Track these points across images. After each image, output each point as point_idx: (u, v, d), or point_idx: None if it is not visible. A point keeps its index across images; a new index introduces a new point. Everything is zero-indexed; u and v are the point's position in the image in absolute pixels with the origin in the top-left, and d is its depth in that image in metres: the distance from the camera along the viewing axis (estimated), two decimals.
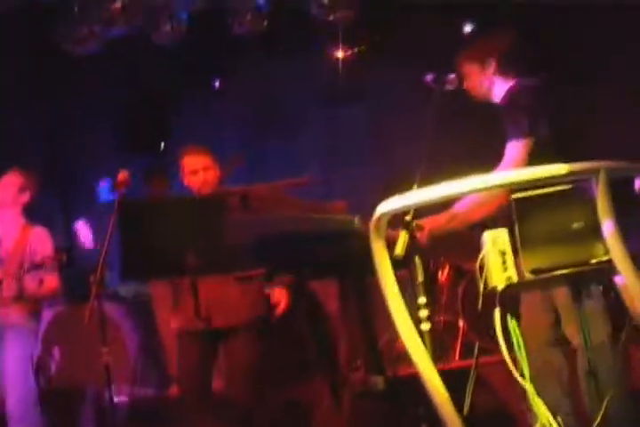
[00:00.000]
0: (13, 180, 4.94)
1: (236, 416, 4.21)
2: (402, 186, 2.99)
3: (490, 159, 3.57)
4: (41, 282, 4.69)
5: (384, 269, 2.60)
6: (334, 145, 7.82)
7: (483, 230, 2.70)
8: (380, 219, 2.60)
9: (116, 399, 4.70)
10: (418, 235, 3.01)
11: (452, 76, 3.58)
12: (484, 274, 2.68)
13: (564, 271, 2.62)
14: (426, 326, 2.77)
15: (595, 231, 2.52)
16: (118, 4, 6.08)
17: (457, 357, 5.89)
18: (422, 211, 3.04)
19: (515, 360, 2.63)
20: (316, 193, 5.77)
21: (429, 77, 3.52)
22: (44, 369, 5.12)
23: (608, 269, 2.52)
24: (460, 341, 5.91)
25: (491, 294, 2.67)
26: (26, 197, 4.95)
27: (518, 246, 2.65)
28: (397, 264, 2.87)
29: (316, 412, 4.74)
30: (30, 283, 4.67)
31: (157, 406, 5.78)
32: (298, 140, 7.79)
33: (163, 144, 7.73)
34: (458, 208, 3.46)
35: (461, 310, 5.89)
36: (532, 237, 2.65)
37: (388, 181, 5.49)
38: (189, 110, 7.68)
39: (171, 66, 7.51)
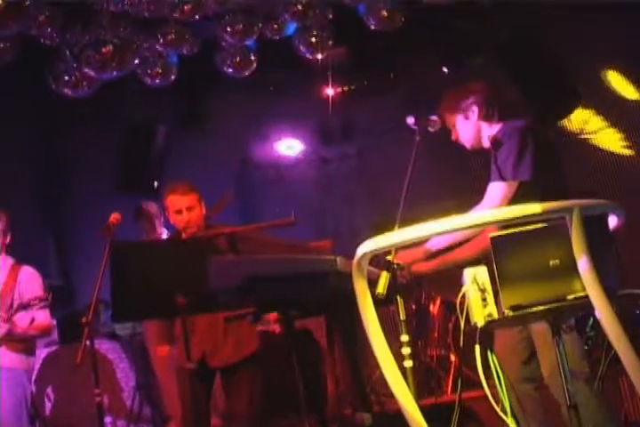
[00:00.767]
0: None
1: None
2: (389, 225, 3.04)
3: (474, 199, 3.62)
4: (32, 321, 4.69)
5: (366, 308, 2.66)
6: (323, 184, 7.91)
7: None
8: (361, 259, 2.66)
9: None
10: (399, 274, 3.06)
11: (434, 117, 3.55)
12: (464, 310, 2.74)
13: (542, 308, 2.67)
14: (408, 364, 2.81)
15: (571, 268, 2.57)
16: (109, 48, 6.16)
17: (449, 390, 5.92)
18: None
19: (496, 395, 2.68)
20: (305, 232, 5.81)
21: (410, 120, 3.50)
22: (38, 411, 5.11)
23: (585, 304, 2.56)
24: (451, 374, 5.96)
25: (472, 331, 2.73)
26: (8, 238, 4.94)
27: (498, 283, 2.71)
28: (382, 301, 2.93)
29: None
30: (21, 322, 4.68)
31: None
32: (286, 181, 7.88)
33: (156, 183, 7.78)
34: (432, 244, 3.52)
35: (453, 345, 5.96)
36: (511, 274, 2.70)
37: (376, 221, 5.54)
38: (180, 149, 7.77)
39: (161, 105, 7.62)
